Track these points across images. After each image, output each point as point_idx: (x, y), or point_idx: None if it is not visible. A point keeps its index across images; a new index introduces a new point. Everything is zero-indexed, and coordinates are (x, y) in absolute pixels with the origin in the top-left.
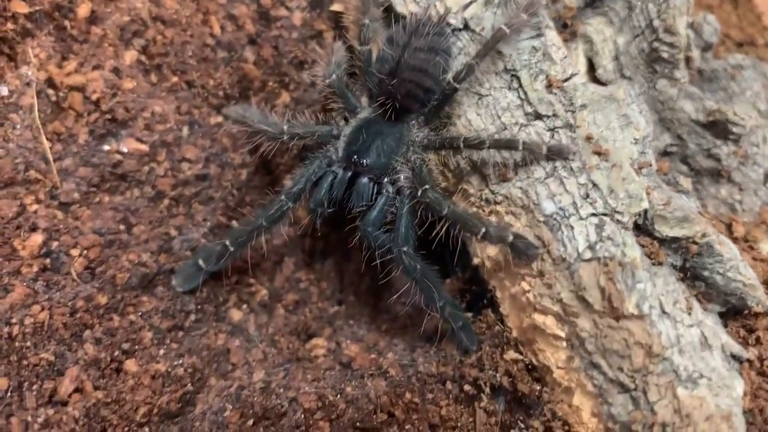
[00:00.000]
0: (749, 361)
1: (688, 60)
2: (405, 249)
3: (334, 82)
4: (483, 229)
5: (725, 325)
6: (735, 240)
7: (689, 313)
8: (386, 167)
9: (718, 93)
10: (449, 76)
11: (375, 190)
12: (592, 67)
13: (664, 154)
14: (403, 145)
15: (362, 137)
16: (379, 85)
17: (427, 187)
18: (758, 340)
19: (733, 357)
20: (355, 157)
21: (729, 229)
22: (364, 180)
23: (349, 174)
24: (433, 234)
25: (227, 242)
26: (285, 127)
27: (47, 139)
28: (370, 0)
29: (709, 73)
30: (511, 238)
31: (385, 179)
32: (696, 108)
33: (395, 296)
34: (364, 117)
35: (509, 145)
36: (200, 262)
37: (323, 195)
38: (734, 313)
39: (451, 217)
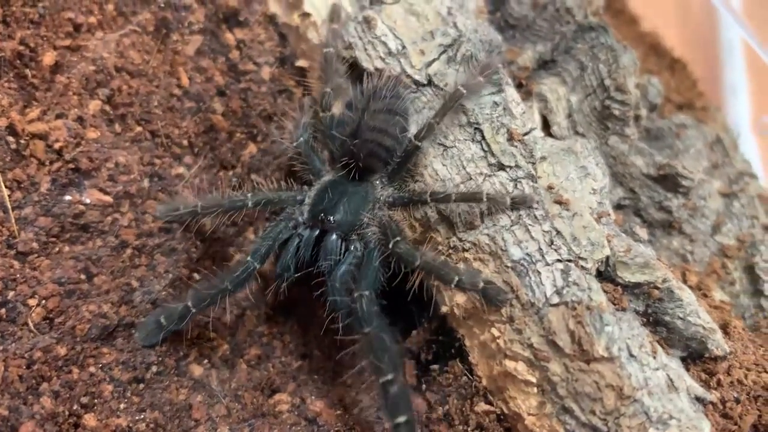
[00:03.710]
0: (712, 404)
1: (637, 118)
2: (366, 293)
3: (302, 144)
4: (456, 278)
5: (687, 370)
6: (690, 288)
7: (654, 357)
8: (354, 224)
9: (664, 150)
10: (411, 134)
11: (343, 247)
12: (546, 125)
13: (618, 207)
14: (369, 203)
15: (328, 196)
16: (342, 147)
17: (398, 239)
18: (719, 383)
19: (698, 399)
20: (322, 214)
21: (683, 278)
22: (333, 237)
23: (317, 232)
24: (407, 287)
25: (189, 304)
26: (249, 195)
27: (6, 186)
28: (332, 69)
29: (656, 131)
30: (482, 284)
31: (353, 236)
32: (647, 163)
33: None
34: (328, 179)
35: (474, 197)
36: (161, 319)
37: (290, 259)
38: (695, 357)
39: (424, 267)
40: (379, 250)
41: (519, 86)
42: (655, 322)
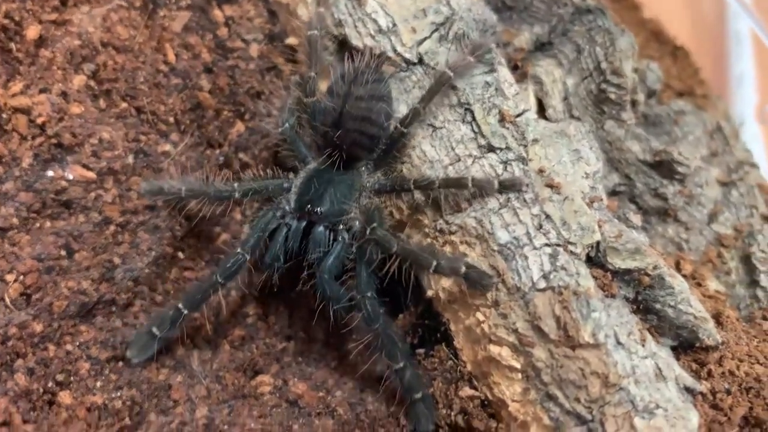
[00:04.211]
0: (702, 394)
1: (634, 103)
2: (369, 294)
3: (287, 130)
4: (434, 263)
5: (677, 359)
6: (684, 277)
7: (643, 345)
8: (340, 214)
9: (662, 137)
10: (396, 119)
11: (331, 238)
12: (542, 108)
13: (613, 193)
14: (355, 192)
15: (314, 186)
16: (325, 137)
17: (375, 225)
18: (710, 374)
19: (687, 390)
20: (309, 206)
21: (677, 266)
22: (320, 228)
23: (304, 224)
24: (384, 270)
25: (180, 305)
26: (236, 185)
27: None
28: (316, 53)
29: (654, 117)
30: (463, 269)
31: (341, 226)
32: (643, 148)
33: (356, 345)
34: (313, 167)
35: (459, 183)
36: (154, 329)
37: (278, 249)
38: (686, 347)
39: (401, 253)
40: (358, 238)
41: (514, 68)
42: (645, 309)
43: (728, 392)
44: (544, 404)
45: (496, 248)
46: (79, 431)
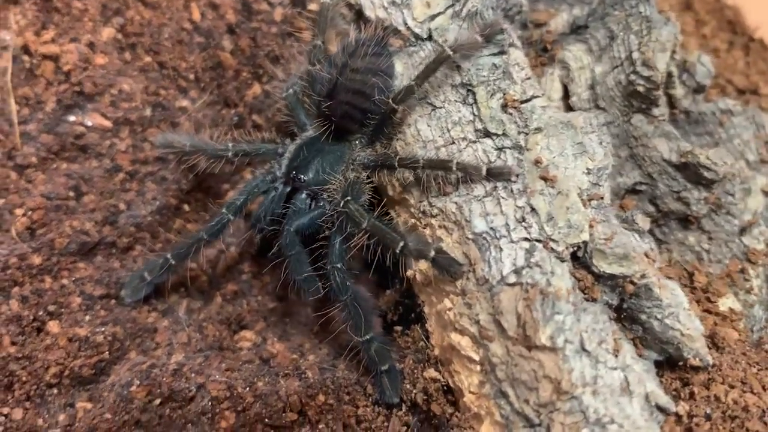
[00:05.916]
0: (678, 415)
1: (671, 99)
2: (338, 266)
3: (290, 96)
4: (401, 244)
5: (660, 375)
6: (694, 290)
7: (615, 355)
8: (323, 183)
9: (703, 137)
10: (389, 96)
11: (312, 206)
12: (567, 95)
13: (632, 191)
14: (343, 164)
15: (303, 154)
16: (318, 107)
17: (348, 198)
18: (692, 395)
19: (659, 408)
20: (295, 172)
21: (690, 277)
22: (302, 195)
23: (288, 189)
24: (351, 244)
25: (168, 255)
26: (230, 145)
27: (15, 102)
28: (325, 23)
29: (697, 115)
30: (432, 254)
31: (324, 195)
32: (670, 148)
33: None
34: (308, 136)
35: (443, 165)
36: (145, 274)
37: (262, 210)
38: (672, 364)
39: (370, 229)
40: (331, 208)
41: (544, 50)
42: (630, 318)
43: (708, 418)
44: (497, 400)
45: (471, 236)
46: (57, 358)
